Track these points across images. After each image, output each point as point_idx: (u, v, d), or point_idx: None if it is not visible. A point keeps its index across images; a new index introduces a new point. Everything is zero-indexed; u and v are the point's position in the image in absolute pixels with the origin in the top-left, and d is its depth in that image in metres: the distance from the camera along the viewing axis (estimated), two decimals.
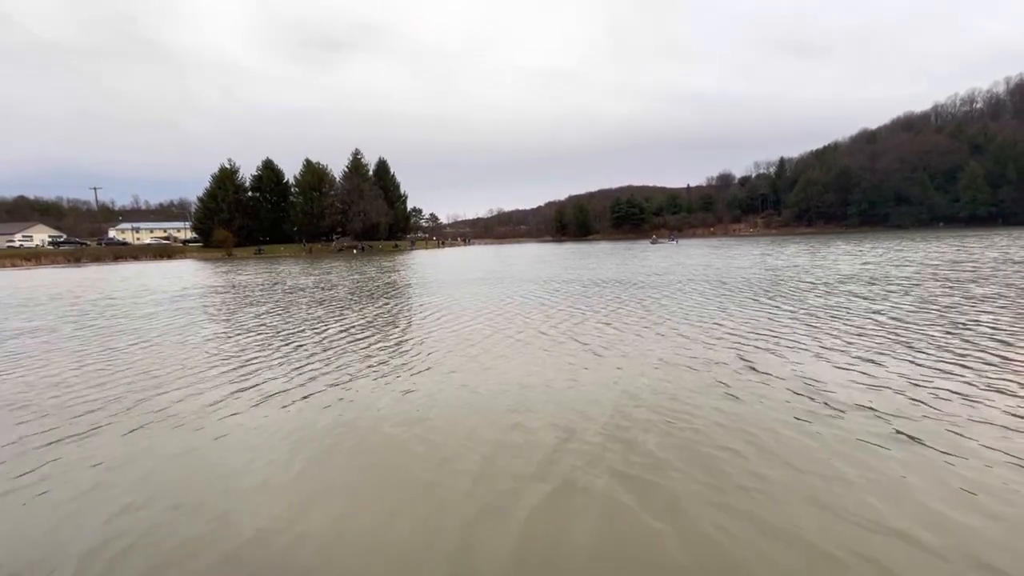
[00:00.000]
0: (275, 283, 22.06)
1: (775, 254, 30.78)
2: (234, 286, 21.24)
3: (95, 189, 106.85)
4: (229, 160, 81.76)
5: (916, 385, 5.35)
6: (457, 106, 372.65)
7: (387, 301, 14.44)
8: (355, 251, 72.24)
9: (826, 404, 4.88)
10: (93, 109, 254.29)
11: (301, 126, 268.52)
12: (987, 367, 5.86)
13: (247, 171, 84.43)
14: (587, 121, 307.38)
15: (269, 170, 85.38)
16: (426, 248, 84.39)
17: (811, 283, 14.93)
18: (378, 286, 19.16)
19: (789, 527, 2.94)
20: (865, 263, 21.58)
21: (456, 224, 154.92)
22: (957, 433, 4.14)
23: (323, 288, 18.96)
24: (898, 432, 4.19)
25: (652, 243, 70.17)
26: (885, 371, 5.85)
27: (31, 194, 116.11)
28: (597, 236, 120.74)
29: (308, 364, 7.23)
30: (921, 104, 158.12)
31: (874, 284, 13.95)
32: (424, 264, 35.31)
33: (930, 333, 7.70)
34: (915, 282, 13.98)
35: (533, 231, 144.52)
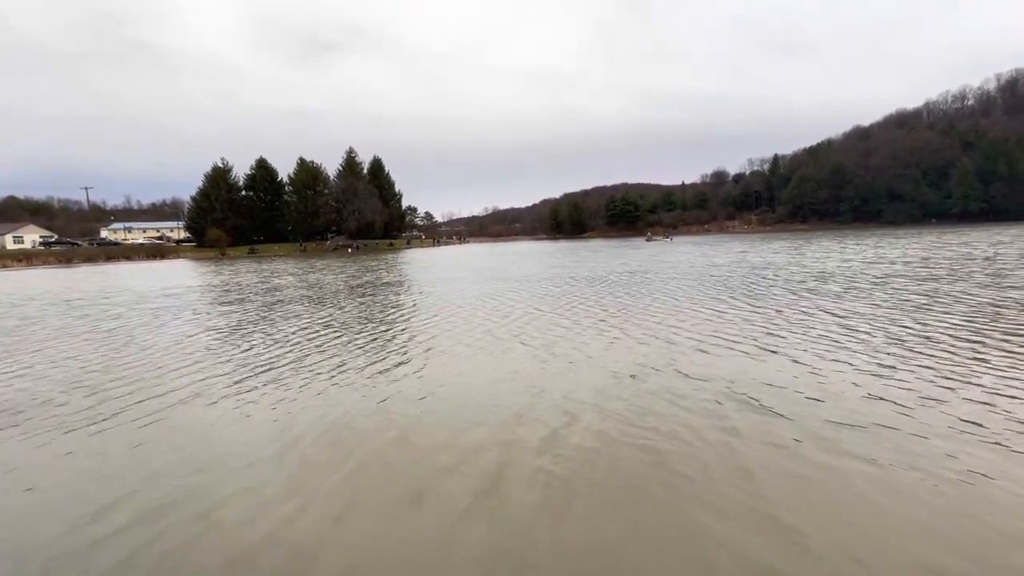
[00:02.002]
0: (258, 282, 22.00)
1: (759, 251, 30.82)
2: (216, 285, 21.16)
3: (86, 189, 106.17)
4: (222, 159, 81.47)
5: (856, 386, 5.40)
6: (452, 106, 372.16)
7: (360, 301, 14.38)
8: (350, 250, 72.07)
9: (768, 409, 4.92)
10: (84, 110, 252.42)
11: (296, 126, 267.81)
12: (928, 369, 5.91)
13: (241, 170, 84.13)
14: (582, 120, 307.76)
15: (263, 169, 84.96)
16: (421, 247, 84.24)
17: (785, 279, 14.88)
18: (355, 286, 19.10)
19: (686, 537, 2.99)
20: (846, 259, 21.69)
21: (452, 222, 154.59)
22: (884, 438, 4.17)
23: (306, 287, 18.86)
24: (822, 437, 4.24)
25: (647, 240, 70.31)
26: (831, 374, 5.90)
27: (21, 194, 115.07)
28: (592, 234, 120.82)
29: (256, 367, 7.23)
30: (913, 101, 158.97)
31: (840, 282, 13.91)
32: (413, 262, 35.39)
33: (881, 332, 7.71)
34: (883, 280, 13.97)
35: (528, 229, 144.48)
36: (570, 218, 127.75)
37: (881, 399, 5.03)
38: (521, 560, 2.85)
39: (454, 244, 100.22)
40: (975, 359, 6.25)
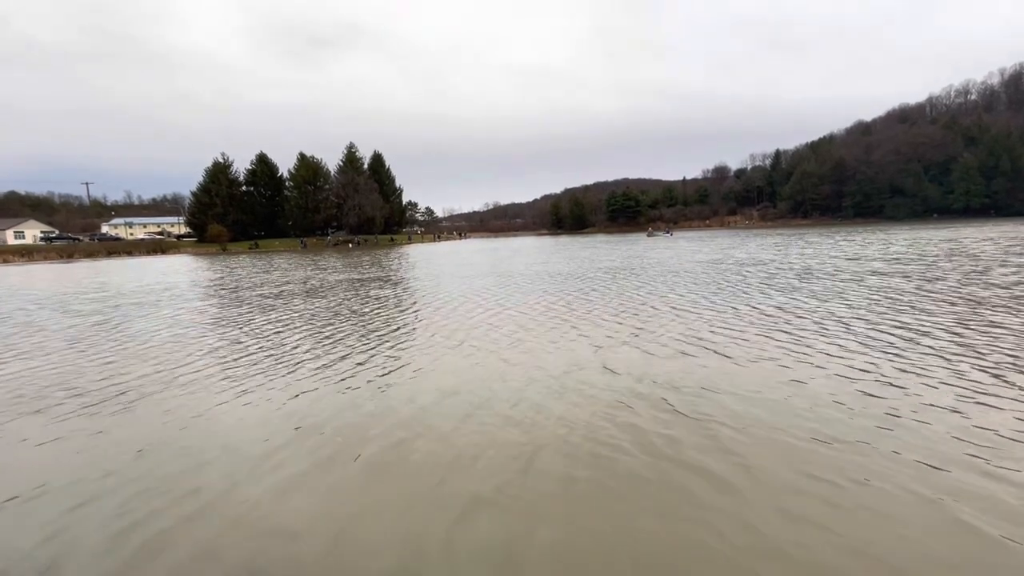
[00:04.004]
0: (248, 277, 21.93)
1: (749, 247, 30.64)
2: (212, 280, 21.11)
3: (87, 184, 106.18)
4: (222, 154, 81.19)
5: (801, 384, 5.39)
6: (451, 102, 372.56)
7: (343, 297, 14.33)
8: (350, 245, 72.09)
9: (709, 417, 4.93)
10: (85, 106, 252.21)
11: (294, 123, 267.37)
12: (883, 373, 5.91)
13: (241, 166, 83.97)
14: (582, 116, 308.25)
15: (263, 164, 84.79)
16: (422, 242, 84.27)
17: (764, 277, 14.65)
18: (342, 281, 19.03)
19: (586, 547, 3.02)
20: (832, 255, 21.77)
21: (452, 218, 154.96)
22: (831, 449, 4.06)
23: (295, 282, 18.72)
24: (765, 450, 4.18)
25: (648, 235, 70.29)
26: (784, 379, 5.90)
27: (22, 189, 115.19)
28: (594, 229, 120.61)
29: (223, 361, 7.29)
30: (916, 96, 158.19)
31: (818, 279, 13.76)
32: (410, 258, 35.48)
33: (843, 333, 7.69)
34: (858, 279, 13.83)
35: (529, 224, 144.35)
36: (571, 213, 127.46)
37: (833, 404, 4.90)
38: (416, 551, 2.96)
39: (455, 240, 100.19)
40: (938, 363, 6.20)
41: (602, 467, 3.90)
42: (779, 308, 10.21)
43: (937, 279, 13.31)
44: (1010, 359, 6.12)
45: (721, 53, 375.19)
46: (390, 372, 6.69)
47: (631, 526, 3.15)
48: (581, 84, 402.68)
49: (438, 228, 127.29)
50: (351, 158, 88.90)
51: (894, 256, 20.79)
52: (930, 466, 3.70)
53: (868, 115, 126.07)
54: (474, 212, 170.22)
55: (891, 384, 5.43)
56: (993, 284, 11.95)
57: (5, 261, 51.68)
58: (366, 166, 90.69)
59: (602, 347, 7.62)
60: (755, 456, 3.96)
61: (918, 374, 5.72)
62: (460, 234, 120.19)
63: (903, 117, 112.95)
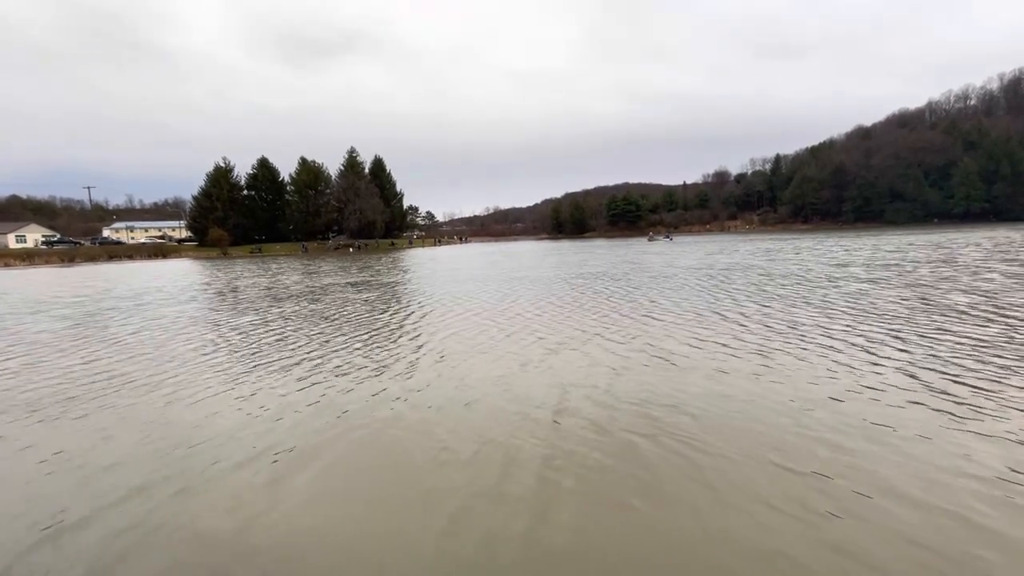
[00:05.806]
0: (234, 279, 22.07)
1: (742, 253, 30.66)
2: (207, 284, 21.28)
3: (88, 188, 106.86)
4: (224, 158, 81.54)
5: (742, 401, 5.48)
6: (452, 107, 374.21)
7: (325, 303, 14.42)
8: (351, 249, 72.24)
9: (668, 433, 5.01)
10: (85, 110, 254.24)
11: (295, 127, 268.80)
12: (843, 383, 5.99)
13: (242, 170, 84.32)
14: (582, 120, 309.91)
15: (264, 168, 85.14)
16: (423, 246, 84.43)
17: (747, 283, 14.72)
18: (331, 284, 19.07)
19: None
20: (821, 261, 21.91)
21: (453, 222, 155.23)
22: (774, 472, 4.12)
23: (286, 286, 18.83)
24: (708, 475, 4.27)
25: (649, 240, 70.47)
26: (737, 393, 5.97)
27: (24, 193, 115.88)
28: (594, 234, 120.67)
29: (158, 373, 7.40)
30: (915, 101, 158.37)
31: (793, 286, 13.80)
32: (406, 263, 35.66)
33: (807, 341, 7.78)
34: (834, 283, 13.89)
35: (530, 228, 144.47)
36: (571, 218, 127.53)
37: (795, 422, 4.76)
38: (351, 554, 3.09)
39: (455, 244, 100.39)
40: (909, 376, 6.17)
41: (539, 478, 3.91)
42: (762, 316, 10.32)
43: (918, 285, 13.40)
44: (985, 372, 6.08)
45: (722, 57, 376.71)
46: (359, 378, 6.82)
47: (554, 534, 3.21)
48: (583, 87, 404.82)
49: (439, 232, 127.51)
50: (352, 162, 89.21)
51: (880, 262, 20.86)
52: (897, 492, 3.49)
53: (868, 120, 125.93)
54: (475, 216, 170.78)
55: (857, 398, 5.29)
56: (972, 291, 12.05)
57: (6, 264, 51.98)
58: (367, 170, 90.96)
59: (565, 355, 7.68)
60: (708, 475, 3.82)
61: (885, 388, 5.54)
62: (460, 238, 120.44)
63: (903, 122, 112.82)
